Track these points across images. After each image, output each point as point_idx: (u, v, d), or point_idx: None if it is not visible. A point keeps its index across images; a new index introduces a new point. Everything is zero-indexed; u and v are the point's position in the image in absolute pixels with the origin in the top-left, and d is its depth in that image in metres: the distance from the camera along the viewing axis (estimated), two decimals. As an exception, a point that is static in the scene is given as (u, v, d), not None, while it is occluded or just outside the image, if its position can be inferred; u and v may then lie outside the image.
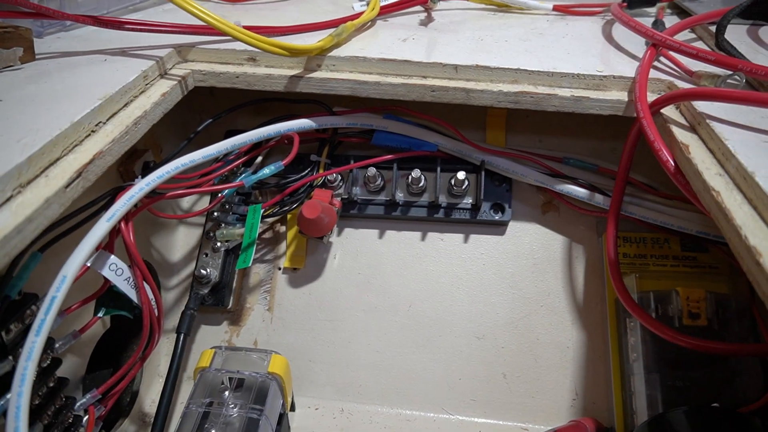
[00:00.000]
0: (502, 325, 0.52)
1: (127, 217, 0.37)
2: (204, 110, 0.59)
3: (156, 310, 0.39)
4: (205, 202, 0.56)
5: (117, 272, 0.37)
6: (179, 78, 0.44)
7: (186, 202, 0.57)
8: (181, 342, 0.48)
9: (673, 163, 0.37)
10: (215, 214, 0.52)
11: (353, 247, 0.55)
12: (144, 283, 0.38)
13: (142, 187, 0.37)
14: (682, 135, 0.38)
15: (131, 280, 0.38)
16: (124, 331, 0.45)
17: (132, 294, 0.38)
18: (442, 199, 0.53)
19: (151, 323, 0.39)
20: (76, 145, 0.34)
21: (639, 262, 0.51)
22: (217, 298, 0.52)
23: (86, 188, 0.33)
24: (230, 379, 0.45)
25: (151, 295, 0.38)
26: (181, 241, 0.56)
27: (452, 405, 0.51)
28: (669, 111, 0.41)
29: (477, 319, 0.52)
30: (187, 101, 0.58)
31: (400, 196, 0.53)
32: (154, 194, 0.42)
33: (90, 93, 0.37)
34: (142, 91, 0.42)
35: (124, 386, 0.40)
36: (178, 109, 0.55)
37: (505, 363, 0.51)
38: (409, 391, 0.51)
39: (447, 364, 0.52)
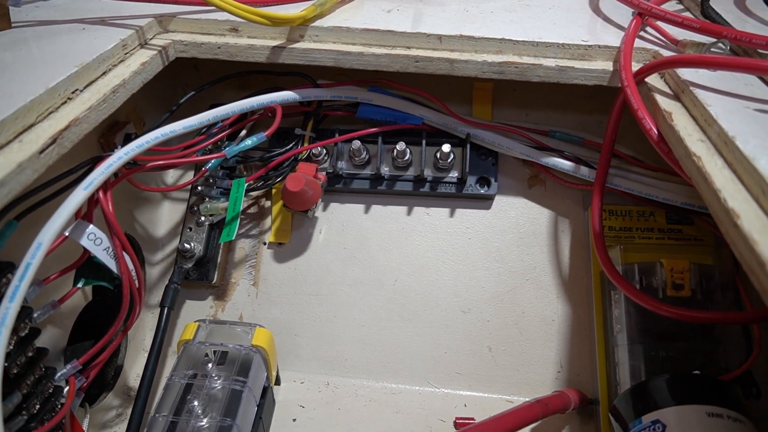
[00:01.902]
0: (487, 299, 0.52)
1: (105, 187, 0.37)
2: (188, 84, 0.58)
3: (137, 281, 0.39)
4: (189, 176, 0.56)
5: (96, 242, 0.36)
6: (160, 48, 0.44)
7: (170, 176, 0.56)
8: (165, 316, 0.47)
9: (656, 132, 0.37)
10: (199, 188, 0.51)
11: (338, 222, 0.55)
12: (124, 253, 0.37)
13: (120, 156, 0.37)
14: (665, 103, 0.37)
15: (111, 250, 0.37)
16: (106, 304, 0.45)
17: (111, 264, 0.37)
18: (428, 173, 0.53)
19: (132, 294, 0.39)
20: (51, 112, 0.34)
21: (624, 235, 0.51)
22: (201, 273, 0.52)
23: (62, 155, 0.32)
24: (214, 352, 0.45)
25: (131, 266, 0.38)
26: (166, 215, 0.56)
27: (437, 378, 0.51)
28: (653, 80, 0.41)
29: (462, 293, 0.52)
30: (171, 75, 0.58)
31: (385, 170, 0.53)
32: (134, 165, 0.42)
33: (67, 60, 0.37)
34: (122, 60, 0.41)
35: (105, 357, 0.40)
36: (162, 82, 0.55)
37: (490, 336, 0.51)
38: (395, 364, 0.51)
39: (432, 338, 0.52)
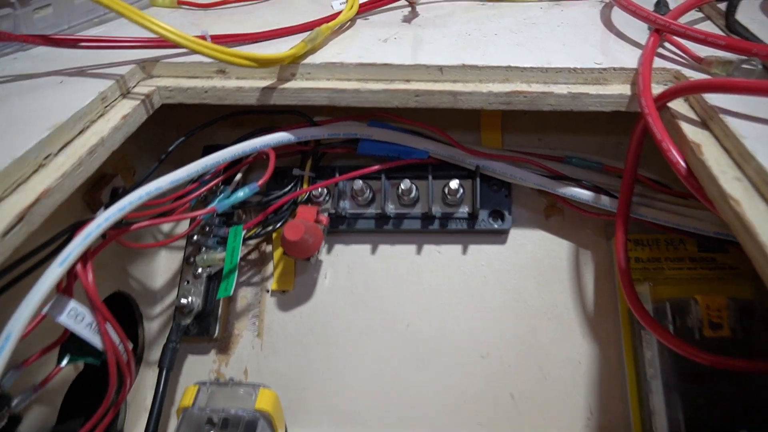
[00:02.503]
0: (507, 341, 0.49)
1: (85, 257, 0.34)
2: (180, 124, 0.55)
3: (125, 355, 0.36)
4: (185, 225, 0.53)
5: (77, 318, 0.34)
6: (143, 96, 0.41)
7: (166, 226, 0.54)
8: (163, 378, 0.45)
9: (684, 165, 0.33)
10: (195, 237, 0.49)
11: (344, 265, 0.51)
12: (108, 327, 0.35)
13: (100, 223, 0.34)
14: (692, 132, 0.34)
15: (94, 325, 0.34)
16: (98, 374, 0.42)
17: (96, 341, 0.35)
18: (436, 210, 0.49)
19: (121, 369, 0.36)
20: (20, 184, 0.31)
21: (653, 267, 0.47)
22: (201, 328, 0.49)
23: (31, 232, 0.30)
24: (215, 418, 0.42)
25: (116, 340, 0.35)
26: (163, 266, 0.53)
27: (457, 430, 0.47)
28: (677, 105, 0.37)
29: (480, 336, 0.49)
30: (161, 116, 0.55)
31: (391, 208, 0.50)
32: (121, 225, 0.39)
33: (39, 122, 0.34)
34: (101, 115, 0.38)
35: (97, 436, 0.37)
36: (151, 125, 0.52)
37: (512, 382, 0.48)
38: (411, 416, 0.48)
39: (450, 386, 0.48)
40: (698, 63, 0.39)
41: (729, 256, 0.46)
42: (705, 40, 0.37)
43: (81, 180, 0.34)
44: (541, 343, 0.48)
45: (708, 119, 0.34)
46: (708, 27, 0.45)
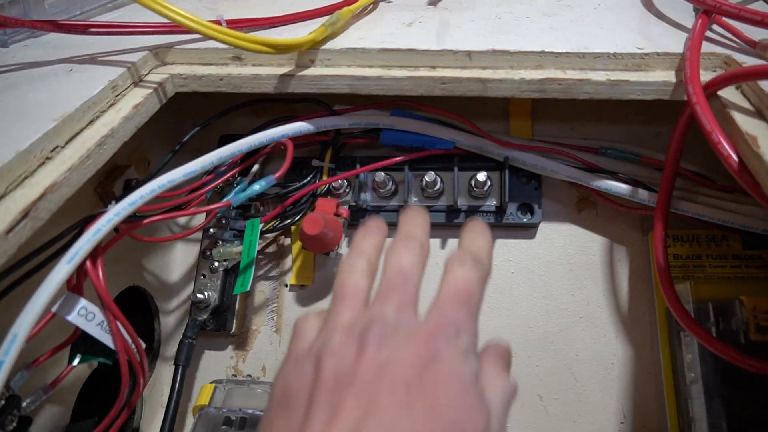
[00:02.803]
0: (535, 340, 0.46)
1: (95, 253, 0.33)
2: (197, 114, 0.54)
3: (137, 354, 0.35)
4: (201, 218, 0.52)
5: (87, 317, 0.32)
6: (156, 85, 0.39)
7: (182, 218, 0.52)
8: (179, 375, 0.43)
9: (736, 159, 0.31)
10: (211, 230, 0.47)
11: (365, 259, 0.49)
12: (119, 326, 0.33)
13: (110, 218, 0.32)
14: (747, 123, 0.31)
15: (105, 324, 0.33)
16: (112, 372, 0.41)
17: (107, 340, 0.33)
18: (462, 202, 0.47)
19: (133, 368, 0.35)
20: (25, 177, 0.30)
21: (693, 264, 0.44)
22: (218, 323, 0.48)
23: (37, 228, 0.28)
24: (233, 418, 0.40)
25: (128, 339, 0.34)
26: (179, 259, 0.51)
27: (483, 432, 0.45)
28: (728, 93, 0.34)
29: (507, 335, 0.47)
30: (177, 105, 0.53)
31: (414, 200, 0.47)
32: (134, 218, 0.38)
33: (46, 112, 0.33)
34: (111, 104, 0.37)
35: (110, 438, 0.36)
36: (165, 115, 0.50)
37: (540, 383, 0.46)
38: (434, 417, 0.46)
39: (475, 387, 0.46)
40: (752, 47, 0.36)
41: (776, 253, 0.43)
42: (761, 21, 0.34)
43: (90, 173, 0.32)
44: (572, 343, 0.46)
45: (765, 108, 0.31)
46: (763, 7, 0.42)
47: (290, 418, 0.23)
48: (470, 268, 0.27)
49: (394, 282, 0.27)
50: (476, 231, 0.31)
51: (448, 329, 0.24)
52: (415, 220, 0.31)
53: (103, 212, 0.33)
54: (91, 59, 0.40)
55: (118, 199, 0.34)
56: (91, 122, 0.35)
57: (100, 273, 0.32)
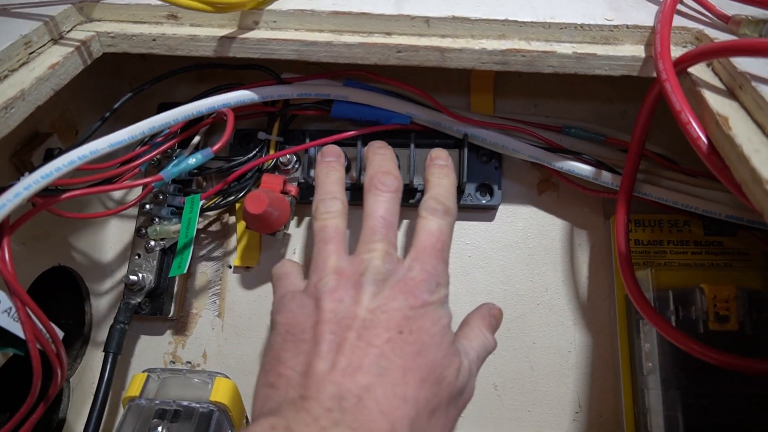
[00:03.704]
0: (492, 327, 0.44)
1: (1, 231, 0.29)
2: (135, 78, 0.49)
3: (53, 344, 0.31)
4: (137, 193, 0.48)
5: (-9, 303, 0.29)
6: (78, 43, 0.35)
7: (116, 192, 0.48)
8: (109, 363, 0.40)
9: (706, 141, 0.29)
10: (147, 207, 0.43)
11: (315, 240, 0.47)
12: (30, 313, 0.30)
13: (18, 192, 0.29)
14: (718, 103, 0.29)
15: (12, 311, 0.29)
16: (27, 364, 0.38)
17: (16, 329, 0.30)
18: (418, 182, 0.44)
19: (50, 360, 0.31)
20: None
21: (654, 250, 0.43)
22: (155, 306, 0.44)
23: None
24: (165, 410, 0.37)
25: (41, 327, 0.30)
26: (114, 237, 0.48)
27: (435, 422, 0.43)
28: (698, 70, 0.32)
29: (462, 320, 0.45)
30: (112, 69, 0.49)
31: (367, 178, 0.44)
32: (54, 192, 0.34)
33: (-57, 69, 0.28)
34: (23, 63, 0.33)
35: (24, 434, 0.32)
36: (99, 79, 0.46)
37: (495, 372, 0.44)
38: (385, 406, 0.44)
39: (428, 375, 0.44)
40: (724, 22, 0.34)
41: (737, 239, 0.42)
42: (735, -6, 0.32)
43: (-8, 141, 0.29)
44: (529, 331, 0.44)
45: (737, 88, 0.29)
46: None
47: (299, 348, 0.26)
48: (442, 218, 0.31)
49: (378, 230, 0.31)
50: (442, 172, 0.35)
51: (430, 282, 0.28)
52: (385, 161, 0.35)
53: (11, 186, 0.29)
54: (3, 10, 0.35)
55: (33, 171, 0.30)
56: (-4, 82, 0.31)
57: (6, 253, 0.29)
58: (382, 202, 0.32)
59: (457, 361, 0.28)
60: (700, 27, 0.34)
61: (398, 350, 0.25)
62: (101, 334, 0.46)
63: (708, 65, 0.32)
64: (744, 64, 0.29)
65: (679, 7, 0.36)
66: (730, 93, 0.30)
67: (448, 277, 0.30)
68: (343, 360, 0.24)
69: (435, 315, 0.27)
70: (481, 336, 0.32)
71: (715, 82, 0.31)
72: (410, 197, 0.44)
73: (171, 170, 0.36)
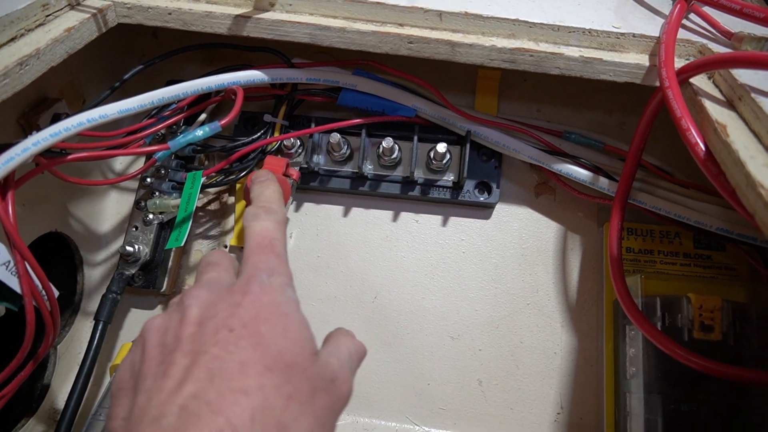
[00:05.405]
0: (480, 324, 0.45)
1: (6, 184, 0.29)
2: (145, 54, 0.50)
3: (48, 302, 0.31)
4: (140, 163, 0.48)
5: (-9, 255, 0.29)
6: (95, 10, 0.36)
7: (118, 164, 0.48)
8: (99, 331, 0.40)
9: (703, 148, 0.30)
10: (148, 179, 0.44)
11: (313, 226, 0.47)
12: (28, 268, 0.30)
13: (26, 147, 0.29)
14: (717, 112, 0.30)
15: (11, 264, 0.30)
16: (19, 319, 0.38)
17: (13, 283, 0.30)
18: (419, 175, 0.45)
19: (43, 318, 0.32)
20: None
21: (644, 259, 0.44)
22: (148, 280, 0.44)
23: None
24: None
25: (38, 283, 0.31)
26: (112, 208, 0.48)
27: (418, 414, 0.44)
28: (700, 81, 0.33)
29: (452, 316, 0.45)
30: (124, 43, 0.50)
31: (369, 168, 0.45)
32: (58, 154, 0.34)
33: (-41, 21, 0.29)
34: (40, 24, 0.33)
35: (10, 392, 0.32)
36: (110, 51, 0.47)
37: (481, 368, 0.44)
38: (370, 396, 0.44)
39: (415, 367, 0.44)
40: (727, 38, 0.35)
41: (725, 255, 0.43)
42: (740, 11, 0.33)
43: (6, 94, 0.29)
44: (517, 330, 0.45)
45: (736, 99, 0.30)
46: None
47: (126, 398, 0.24)
48: (265, 219, 0.30)
49: (212, 258, 0.30)
50: (262, 183, 0.35)
51: (260, 275, 0.26)
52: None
53: (17, 142, 0.29)
54: (24, -27, 0.36)
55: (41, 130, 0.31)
56: (12, 39, 0.31)
57: (10, 206, 0.29)
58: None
59: (311, 346, 0.25)
60: (704, 41, 0.35)
61: (232, 347, 0.23)
62: (92, 305, 0.46)
63: (709, 77, 0.33)
64: (744, 76, 0.30)
65: (685, 21, 0.37)
66: (729, 104, 0.31)
67: (286, 267, 0.28)
68: (169, 383, 0.22)
69: (271, 304, 0.25)
70: (345, 339, 0.30)
71: (716, 93, 0.32)
72: (410, 189, 0.45)
73: (179, 140, 0.36)
